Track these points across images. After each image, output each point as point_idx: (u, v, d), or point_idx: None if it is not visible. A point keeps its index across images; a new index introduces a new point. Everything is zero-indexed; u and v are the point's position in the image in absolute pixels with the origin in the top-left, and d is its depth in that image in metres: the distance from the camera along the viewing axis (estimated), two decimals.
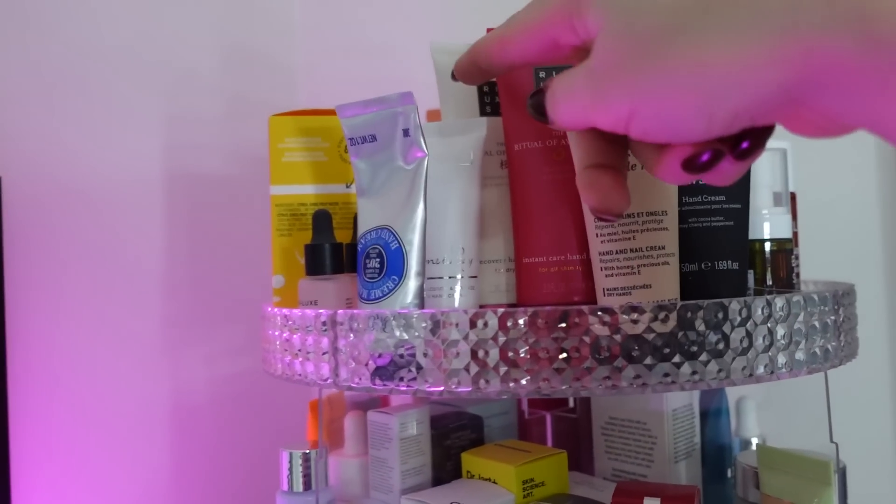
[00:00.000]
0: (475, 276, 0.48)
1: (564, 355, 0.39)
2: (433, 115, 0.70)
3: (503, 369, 0.40)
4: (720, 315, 0.40)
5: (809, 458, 0.45)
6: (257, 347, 0.73)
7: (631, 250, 0.43)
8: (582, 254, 0.46)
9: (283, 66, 0.83)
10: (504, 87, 0.49)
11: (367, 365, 0.43)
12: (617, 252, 0.43)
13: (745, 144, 0.28)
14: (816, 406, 0.72)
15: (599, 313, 0.39)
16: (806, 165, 0.70)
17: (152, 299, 0.69)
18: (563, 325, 0.39)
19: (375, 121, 0.45)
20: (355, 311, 0.43)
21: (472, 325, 0.40)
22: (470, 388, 0.40)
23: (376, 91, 0.73)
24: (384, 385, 0.42)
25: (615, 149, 0.32)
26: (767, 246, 0.51)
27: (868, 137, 0.73)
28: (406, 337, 0.41)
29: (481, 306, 0.50)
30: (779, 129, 0.28)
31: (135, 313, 0.68)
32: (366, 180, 0.46)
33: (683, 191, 0.46)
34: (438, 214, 0.48)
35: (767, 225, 0.51)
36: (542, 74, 0.48)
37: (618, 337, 0.39)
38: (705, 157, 0.28)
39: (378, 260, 0.44)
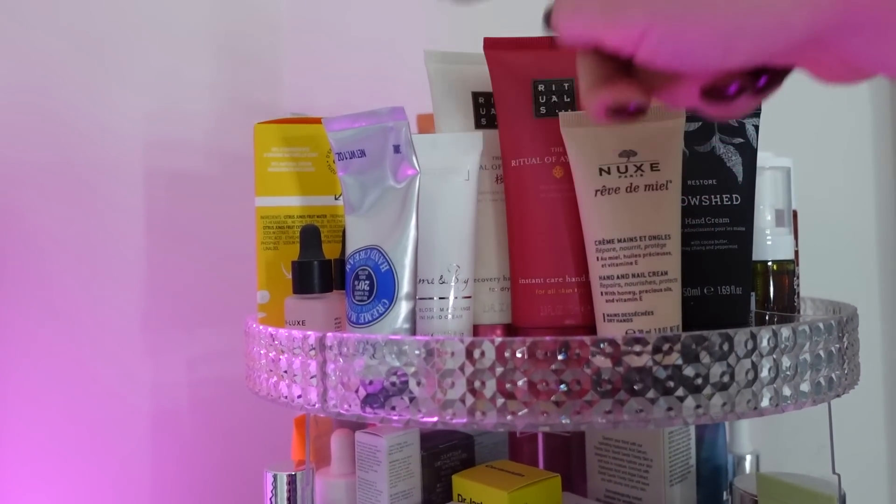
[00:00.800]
0: (469, 297, 0.46)
1: (564, 388, 0.37)
2: (424, 120, 0.68)
3: (500, 401, 0.38)
4: (725, 347, 0.38)
5: (812, 491, 0.44)
6: (242, 351, 0.71)
7: (633, 275, 0.41)
8: (580, 276, 0.45)
9: (270, 63, 0.80)
10: (500, 101, 0.47)
11: (356, 392, 0.41)
12: (618, 277, 0.42)
13: (762, 81, 0.26)
14: (808, 418, 0.71)
15: (602, 345, 0.37)
16: (803, 178, 0.69)
17: (133, 300, 0.67)
18: (564, 356, 0.37)
19: (364, 135, 0.43)
20: (345, 334, 0.41)
21: (469, 354, 0.38)
22: (465, 420, 0.38)
23: (364, 90, 0.71)
24: (375, 413, 0.40)
25: (623, 73, 0.29)
26: (769, 267, 0.49)
27: (866, 152, 0.72)
28: (398, 364, 0.39)
29: (475, 326, 0.49)
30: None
31: (116, 314, 0.66)
32: (354, 197, 0.44)
33: (686, 213, 0.45)
34: (431, 232, 0.46)
35: (770, 246, 0.49)
36: (540, 88, 0.46)
37: (620, 369, 0.37)
38: (733, 89, 0.26)
39: (367, 282, 0.42)
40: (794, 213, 0.54)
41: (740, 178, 0.45)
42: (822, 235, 0.72)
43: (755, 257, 0.49)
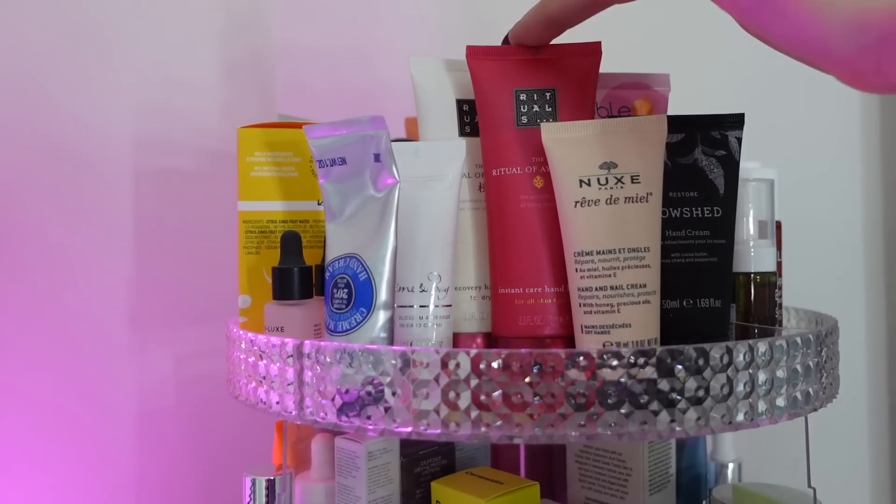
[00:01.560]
0: (449, 305, 0.46)
1: (538, 400, 0.37)
2: (411, 123, 0.68)
3: (474, 413, 0.38)
4: (701, 361, 0.38)
5: None
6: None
7: (611, 287, 0.41)
8: (559, 286, 0.45)
9: (264, 63, 0.80)
10: (483, 109, 0.47)
11: (332, 400, 0.41)
12: (597, 289, 0.42)
13: None
14: (793, 427, 0.71)
15: (577, 359, 0.37)
16: (791, 187, 0.69)
17: (120, 298, 0.67)
18: (538, 369, 0.37)
19: (345, 143, 0.43)
20: (322, 342, 0.41)
21: (444, 365, 0.38)
22: (439, 431, 0.39)
23: (354, 93, 0.70)
24: (350, 422, 0.40)
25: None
26: (752, 279, 0.49)
27: (854, 161, 0.72)
28: (374, 374, 0.39)
29: (456, 335, 0.49)
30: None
31: (99, 311, 0.66)
32: (335, 205, 0.44)
33: (667, 225, 0.45)
34: (412, 239, 0.46)
35: (752, 257, 0.49)
36: (522, 97, 0.46)
37: (595, 383, 0.37)
38: None
39: (346, 290, 0.42)
40: (778, 225, 0.54)
41: (722, 191, 0.45)
42: (810, 245, 0.72)
43: (737, 269, 0.49)
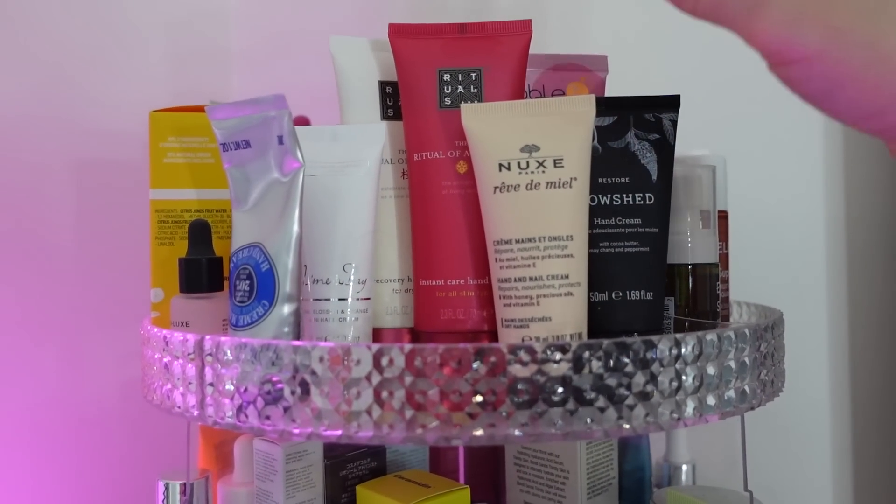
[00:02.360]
0: (368, 299, 0.44)
1: (479, 399, 0.34)
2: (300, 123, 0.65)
3: (409, 413, 0.35)
4: (623, 357, 0.35)
5: None
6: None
7: (530, 278, 0.39)
8: (483, 278, 0.42)
9: (219, 50, 0.77)
10: (405, 90, 0.44)
11: (232, 399, 0.38)
12: (516, 280, 0.39)
13: None
14: (754, 426, 0.69)
15: (519, 353, 0.34)
16: (747, 176, 0.66)
17: (55, 294, 0.64)
18: (478, 364, 0.34)
19: (249, 125, 0.40)
20: (222, 338, 0.38)
21: (342, 361, 0.35)
22: (340, 433, 0.36)
23: (313, 79, 0.66)
24: (247, 424, 0.37)
25: None
26: (691, 271, 0.47)
27: (816, 145, 0.70)
28: (273, 371, 0.36)
29: (378, 330, 0.46)
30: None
31: (33, 309, 0.63)
32: (240, 190, 0.41)
33: (596, 213, 0.42)
34: (328, 229, 0.43)
35: (692, 248, 0.47)
36: (446, 77, 0.44)
37: (540, 378, 0.34)
38: None
39: (248, 282, 0.39)
40: (725, 215, 0.52)
41: (655, 177, 0.43)
42: (768, 237, 0.70)
43: (676, 260, 0.47)
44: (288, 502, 0.47)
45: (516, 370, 0.34)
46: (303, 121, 0.59)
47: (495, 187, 0.40)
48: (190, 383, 0.40)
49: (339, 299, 0.43)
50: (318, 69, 0.52)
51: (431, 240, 0.43)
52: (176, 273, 0.48)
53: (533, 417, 0.35)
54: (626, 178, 0.43)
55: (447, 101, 0.43)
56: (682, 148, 0.49)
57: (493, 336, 0.42)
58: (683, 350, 0.37)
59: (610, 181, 0.43)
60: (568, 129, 0.40)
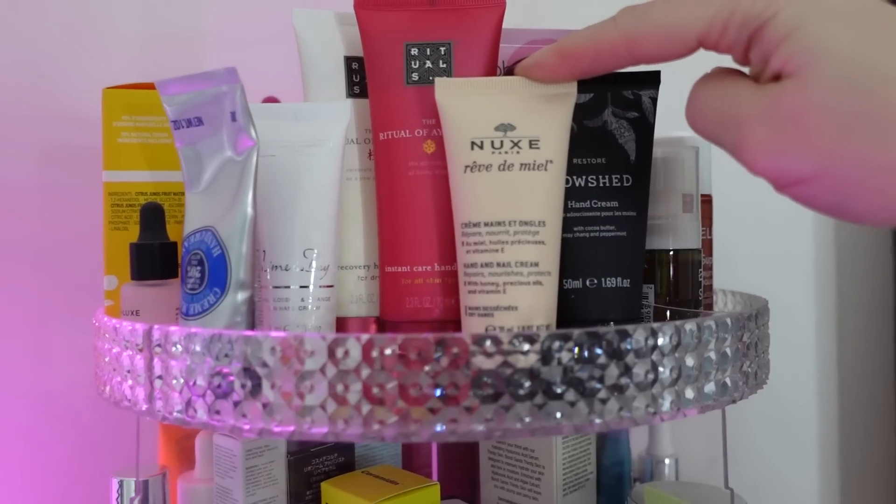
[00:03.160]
0: (331, 286, 0.41)
1: (440, 392, 0.32)
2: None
3: (366, 408, 0.33)
4: (595, 348, 0.33)
5: None
6: None
7: (497, 264, 0.36)
8: (452, 265, 0.40)
9: (191, 27, 0.74)
10: (371, 65, 0.42)
11: (181, 393, 0.36)
12: (482, 265, 0.37)
13: None
14: (732, 418, 0.67)
15: (484, 343, 0.32)
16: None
17: (16, 283, 0.61)
18: (440, 356, 0.32)
19: (201, 101, 0.37)
20: (171, 327, 0.36)
21: (296, 353, 0.33)
22: (293, 429, 0.34)
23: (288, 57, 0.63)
24: (196, 419, 0.35)
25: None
26: (672, 257, 0.44)
27: None
28: (224, 364, 0.34)
29: (343, 319, 0.44)
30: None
31: None
32: (192, 171, 0.38)
33: (571, 195, 0.40)
34: (288, 213, 0.41)
35: (673, 233, 0.44)
36: (413, 51, 0.41)
37: (506, 371, 0.32)
38: None
39: (199, 268, 0.37)
40: (708, 199, 0.50)
41: (633, 157, 0.40)
42: (756, 223, 0.68)
43: (658, 246, 0.44)
44: (248, 500, 0.45)
45: (480, 362, 0.32)
46: (273, 101, 0.57)
47: (466, 166, 0.38)
48: (139, 376, 0.38)
49: (300, 287, 0.41)
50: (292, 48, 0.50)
51: (397, 224, 0.41)
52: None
53: (498, 412, 0.32)
54: (603, 159, 0.40)
55: (415, 76, 0.41)
56: (668, 129, 0.47)
57: (458, 326, 0.40)
58: (660, 340, 0.35)
59: (585, 162, 0.40)
60: (547, 109, 0.38)
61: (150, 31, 0.67)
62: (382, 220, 0.42)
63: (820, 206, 0.27)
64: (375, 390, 0.33)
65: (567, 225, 0.40)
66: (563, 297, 0.39)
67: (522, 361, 0.33)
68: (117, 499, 0.45)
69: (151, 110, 0.45)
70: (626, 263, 0.40)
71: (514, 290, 0.36)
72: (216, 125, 0.37)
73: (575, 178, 0.40)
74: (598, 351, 0.33)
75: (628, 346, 0.34)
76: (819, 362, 0.68)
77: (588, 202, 0.40)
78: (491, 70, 0.41)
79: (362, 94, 0.44)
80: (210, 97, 0.37)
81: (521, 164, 0.37)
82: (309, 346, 0.33)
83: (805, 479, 0.68)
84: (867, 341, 0.71)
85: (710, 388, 0.37)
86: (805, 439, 0.68)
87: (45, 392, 0.63)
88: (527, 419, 0.33)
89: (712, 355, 0.37)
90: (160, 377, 0.37)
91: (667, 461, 0.61)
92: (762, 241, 0.68)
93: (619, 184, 0.40)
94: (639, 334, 0.34)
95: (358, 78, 0.44)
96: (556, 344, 0.33)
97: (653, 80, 0.41)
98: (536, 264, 0.37)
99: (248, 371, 0.34)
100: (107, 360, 0.41)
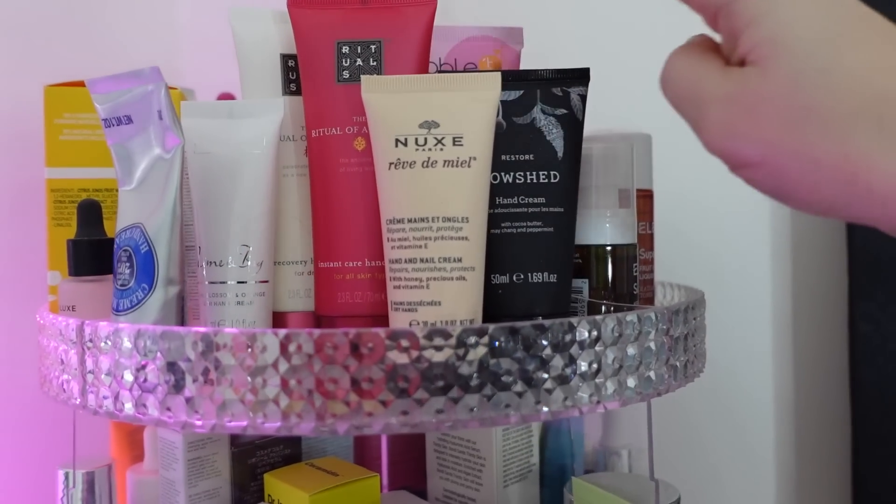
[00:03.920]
0: (266, 281, 0.42)
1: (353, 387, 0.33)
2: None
3: (284, 402, 0.34)
4: (509, 343, 0.34)
5: (622, 501, 0.40)
6: None
7: (421, 260, 0.37)
8: (381, 261, 0.40)
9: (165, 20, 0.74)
10: (304, 63, 0.42)
11: (109, 387, 0.37)
12: (406, 261, 0.37)
13: None
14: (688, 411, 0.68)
15: (399, 339, 0.33)
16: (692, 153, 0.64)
17: None
18: (355, 351, 0.33)
19: (130, 99, 0.38)
20: (101, 323, 0.36)
21: (215, 347, 0.34)
22: (214, 422, 0.34)
23: None
24: (122, 414, 0.36)
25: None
26: (608, 252, 0.45)
27: None
28: (148, 358, 0.35)
29: (281, 314, 0.45)
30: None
31: None
32: (124, 169, 0.39)
33: (498, 191, 0.41)
34: (223, 209, 0.41)
35: (608, 228, 0.45)
36: (344, 49, 0.42)
37: (420, 366, 0.33)
38: None
39: (128, 265, 0.37)
40: (649, 194, 0.50)
41: (560, 154, 0.41)
42: (713, 218, 0.68)
43: (593, 241, 0.45)
44: (190, 491, 0.46)
45: (395, 356, 0.33)
46: (228, 98, 0.57)
47: (391, 163, 0.38)
48: (73, 370, 0.39)
49: (237, 282, 0.42)
50: None
51: (329, 220, 0.41)
52: None
53: (412, 406, 0.33)
54: (531, 156, 0.41)
55: (346, 74, 0.41)
56: (622, 124, 0.47)
57: (387, 321, 0.40)
58: (579, 335, 0.36)
59: (513, 159, 0.41)
60: (471, 106, 0.39)
61: (110, 27, 0.67)
62: (316, 216, 0.42)
63: (766, 190, 0.28)
64: (292, 383, 0.33)
65: (494, 221, 0.40)
66: (491, 292, 0.40)
67: (437, 356, 0.33)
68: (63, 490, 0.46)
69: (92, 108, 0.46)
70: (553, 259, 0.40)
71: (438, 286, 0.37)
72: (144, 123, 0.38)
73: (503, 174, 0.41)
74: (514, 345, 0.34)
75: (545, 341, 0.35)
76: (775, 352, 0.68)
77: (515, 198, 0.41)
78: (422, 68, 0.42)
79: (299, 91, 0.44)
80: (138, 96, 0.38)
81: (445, 161, 0.38)
82: (188, 340, 0.34)
83: (763, 470, 0.69)
84: (821, 333, 0.72)
85: (631, 381, 0.38)
86: (762, 429, 0.69)
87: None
88: (439, 412, 0.33)
89: (631, 350, 0.37)
90: (91, 372, 0.37)
91: (623, 452, 0.61)
92: (718, 235, 0.69)
93: (546, 180, 0.41)
94: (555, 329, 0.35)
95: (294, 76, 0.44)
96: (472, 339, 0.34)
97: (582, 76, 0.41)
98: (460, 260, 0.37)
99: (172, 366, 0.35)
100: (50, 356, 0.41)
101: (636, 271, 0.46)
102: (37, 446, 0.63)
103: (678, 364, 0.41)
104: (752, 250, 0.68)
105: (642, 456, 0.65)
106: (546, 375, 0.35)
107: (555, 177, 0.41)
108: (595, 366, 0.36)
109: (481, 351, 0.34)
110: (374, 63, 0.41)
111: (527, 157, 0.41)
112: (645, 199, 0.49)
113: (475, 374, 0.34)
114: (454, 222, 0.37)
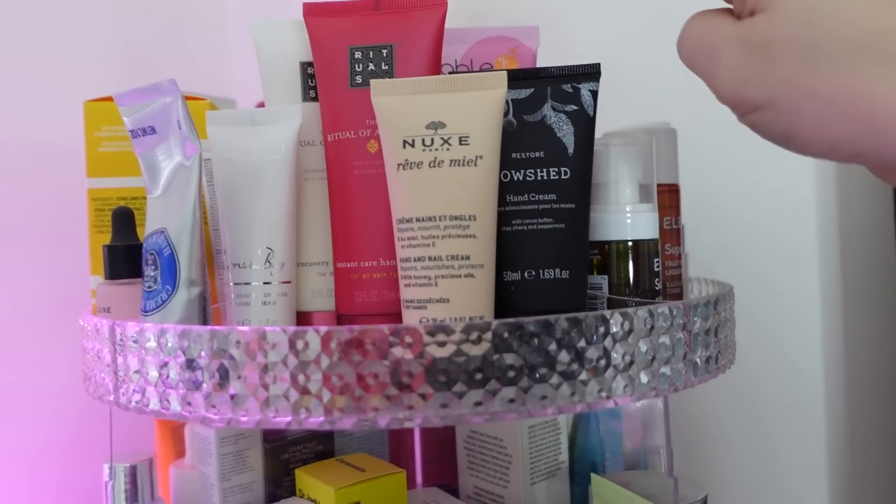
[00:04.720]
0: (288, 282, 0.43)
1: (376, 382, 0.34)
2: None
3: (294, 396, 0.35)
4: (513, 340, 0.34)
5: (639, 499, 0.40)
6: None
7: (430, 258, 0.38)
8: (394, 260, 0.41)
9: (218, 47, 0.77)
10: (320, 69, 0.43)
11: (137, 383, 0.39)
12: (415, 259, 0.38)
13: None
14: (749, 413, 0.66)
15: (402, 335, 0.34)
16: (736, 149, 0.63)
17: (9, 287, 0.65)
18: (361, 347, 0.34)
19: (153, 111, 0.40)
20: (128, 323, 0.38)
21: (220, 349, 0.35)
22: (229, 417, 0.36)
23: None
24: (148, 410, 0.38)
25: None
26: (629, 248, 0.45)
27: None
28: (170, 356, 0.37)
29: (305, 313, 0.46)
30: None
31: None
32: (151, 177, 0.41)
33: (509, 189, 0.41)
34: (246, 213, 0.43)
35: (629, 224, 0.45)
36: (357, 55, 0.43)
37: (422, 361, 0.34)
38: None
39: (153, 268, 0.39)
40: (675, 188, 0.49)
41: (571, 150, 0.41)
42: (759, 216, 0.66)
43: (614, 237, 0.45)
44: (224, 485, 0.48)
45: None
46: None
47: (399, 164, 0.39)
48: (108, 367, 0.41)
49: (260, 283, 0.43)
50: None
51: (346, 221, 0.42)
52: None
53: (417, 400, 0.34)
54: (541, 153, 0.41)
55: (358, 79, 0.42)
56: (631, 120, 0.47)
57: (400, 318, 0.41)
58: (585, 331, 0.36)
59: (524, 156, 0.41)
60: (476, 105, 0.39)
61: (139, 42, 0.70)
62: (334, 218, 0.43)
63: (774, 134, 0.29)
64: (301, 378, 0.34)
65: (505, 218, 0.40)
66: (504, 289, 0.40)
67: (440, 352, 0.34)
68: (107, 482, 0.48)
69: None
70: (565, 255, 0.40)
71: (446, 283, 0.37)
72: (166, 133, 0.40)
73: (513, 172, 0.41)
74: (516, 342, 0.34)
75: (550, 337, 0.35)
76: (825, 353, 0.66)
77: (526, 195, 0.41)
78: (434, 70, 0.43)
79: (317, 97, 0.45)
80: (159, 107, 0.40)
81: (451, 161, 0.38)
82: (195, 338, 0.35)
83: (813, 475, 0.66)
84: (873, 331, 0.69)
85: (643, 377, 0.37)
86: (813, 433, 0.66)
87: (47, 390, 0.65)
88: (444, 406, 0.34)
89: (642, 346, 0.37)
90: (121, 369, 0.40)
91: (661, 451, 0.60)
92: (765, 232, 0.67)
93: (556, 177, 0.41)
94: (561, 324, 0.35)
95: (313, 82, 0.46)
96: (475, 335, 0.34)
97: (593, 72, 0.41)
98: (468, 257, 0.38)
99: (191, 363, 0.36)
100: (89, 356, 0.44)
101: (658, 266, 0.45)
102: (88, 441, 0.65)
103: (698, 359, 0.41)
104: (798, 246, 0.66)
105: (681, 455, 0.64)
106: (552, 371, 0.35)
107: (565, 173, 0.41)
108: (603, 361, 0.36)
109: (484, 346, 0.34)
110: (386, 67, 0.42)
111: (537, 154, 0.41)
112: (670, 194, 0.49)
113: (478, 369, 0.34)
114: (461, 220, 0.38)
